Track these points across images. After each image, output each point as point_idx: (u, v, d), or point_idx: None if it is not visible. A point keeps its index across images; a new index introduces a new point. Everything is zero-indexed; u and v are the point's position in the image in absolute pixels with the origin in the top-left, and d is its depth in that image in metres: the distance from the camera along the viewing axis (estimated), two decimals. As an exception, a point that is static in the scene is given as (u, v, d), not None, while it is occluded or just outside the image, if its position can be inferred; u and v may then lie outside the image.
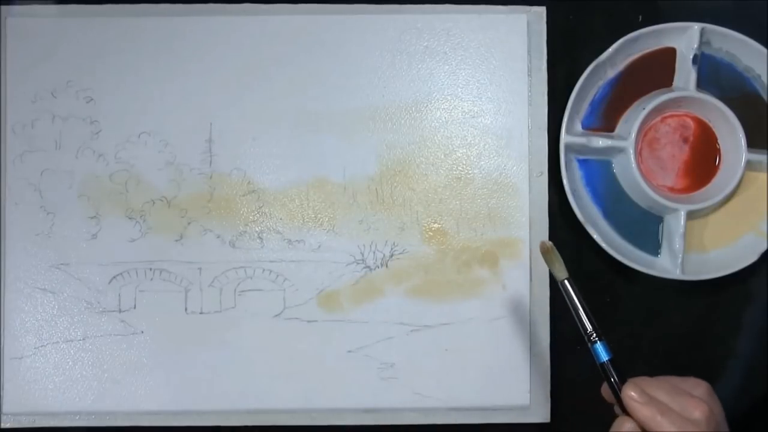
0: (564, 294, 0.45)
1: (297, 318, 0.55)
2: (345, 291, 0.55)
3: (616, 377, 0.43)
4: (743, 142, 0.53)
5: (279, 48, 0.56)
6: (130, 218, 0.55)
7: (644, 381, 0.42)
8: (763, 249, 0.54)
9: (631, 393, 0.41)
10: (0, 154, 0.55)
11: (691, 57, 0.54)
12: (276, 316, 0.55)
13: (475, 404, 0.54)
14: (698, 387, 0.42)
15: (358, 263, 0.55)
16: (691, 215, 0.54)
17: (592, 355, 0.43)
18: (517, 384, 0.54)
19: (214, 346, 0.54)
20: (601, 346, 0.43)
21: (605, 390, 0.43)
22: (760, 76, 0.56)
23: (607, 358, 0.43)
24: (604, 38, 0.54)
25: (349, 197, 0.55)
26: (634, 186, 0.55)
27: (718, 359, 0.57)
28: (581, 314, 0.44)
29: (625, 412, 0.41)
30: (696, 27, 0.54)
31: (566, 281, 0.45)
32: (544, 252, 0.46)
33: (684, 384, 0.42)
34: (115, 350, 0.54)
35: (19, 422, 0.54)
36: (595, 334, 0.43)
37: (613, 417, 0.43)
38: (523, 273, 0.55)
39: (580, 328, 0.44)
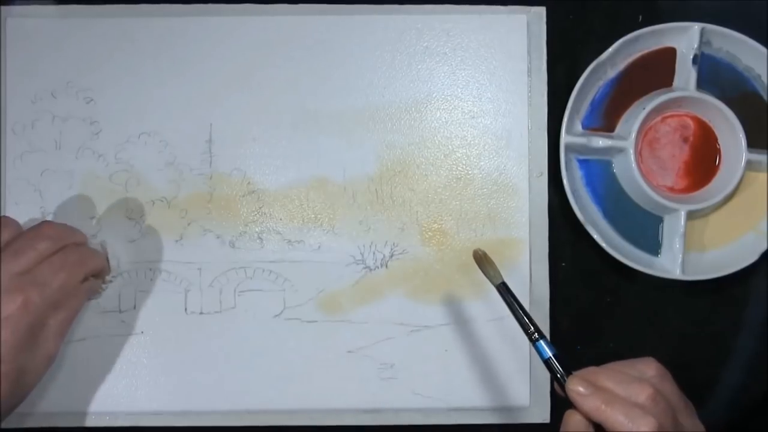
0: (502, 298, 0.46)
1: (297, 318, 0.55)
2: (345, 291, 0.55)
3: (562, 372, 0.43)
4: (743, 142, 0.53)
5: (279, 48, 0.56)
6: (129, 218, 0.55)
7: (592, 372, 0.42)
8: (763, 249, 0.54)
9: (575, 387, 0.41)
10: (0, 154, 0.55)
11: (691, 57, 0.54)
12: (276, 316, 0.55)
13: (475, 404, 0.54)
14: (649, 369, 0.42)
15: (357, 264, 0.55)
16: (691, 215, 0.54)
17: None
18: (517, 384, 0.54)
19: (214, 346, 0.54)
20: (543, 344, 0.44)
21: (557, 387, 0.43)
22: (760, 76, 0.56)
23: (550, 355, 0.43)
24: (604, 38, 0.54)
25: (349, 197, 0.55)
26: (634, 186, 0.55)
27: (718, 359, 0.57)
28: (521, 315, 0.45)
29: (573, 406, 0.41)
30: (696, 27, 0.54)
31: (503, 285, 0.46)
32: (478, 260, 0.47)
33: (634, 368, 0.42)
34: (115, 350, 0.54)
35: (19, 422, 0.54)
36: (536, 333, 0.44)
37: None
38: (523, 273, 0.55)
39: (522, 329, 0.45)
